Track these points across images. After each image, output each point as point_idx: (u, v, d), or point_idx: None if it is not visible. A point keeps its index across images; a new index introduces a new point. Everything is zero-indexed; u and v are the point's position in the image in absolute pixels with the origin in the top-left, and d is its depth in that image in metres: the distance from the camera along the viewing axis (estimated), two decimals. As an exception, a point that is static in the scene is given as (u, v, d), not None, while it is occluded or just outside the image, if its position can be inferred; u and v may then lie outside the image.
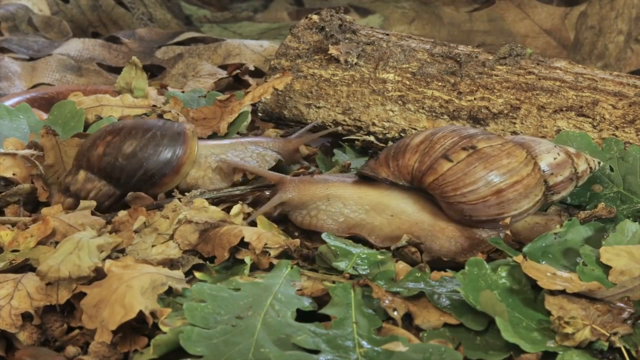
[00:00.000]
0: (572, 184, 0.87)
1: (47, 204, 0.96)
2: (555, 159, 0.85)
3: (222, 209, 0.87)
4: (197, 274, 0.78)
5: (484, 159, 0.80)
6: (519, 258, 0.76)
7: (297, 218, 0.86)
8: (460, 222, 0.83)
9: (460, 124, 1.03)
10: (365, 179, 0.86)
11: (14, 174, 0.98)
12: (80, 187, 0.93)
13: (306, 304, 0.74)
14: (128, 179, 0.92)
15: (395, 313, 0.72)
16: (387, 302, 0.72)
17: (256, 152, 1.00)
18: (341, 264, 0.78)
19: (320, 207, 0.85)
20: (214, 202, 0.92)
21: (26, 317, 0.75)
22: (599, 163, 0.90)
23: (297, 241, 0.82)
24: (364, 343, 0.68)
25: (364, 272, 0.77)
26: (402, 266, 0.79)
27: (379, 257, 0.79)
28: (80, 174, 0.93)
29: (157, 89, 1.27)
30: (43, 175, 0.98)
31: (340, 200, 0.85)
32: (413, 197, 0.85)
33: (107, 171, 0.92)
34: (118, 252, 0.82)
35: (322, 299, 0.75)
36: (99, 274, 0.75)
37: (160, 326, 0.69)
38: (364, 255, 0.79)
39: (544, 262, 0.78)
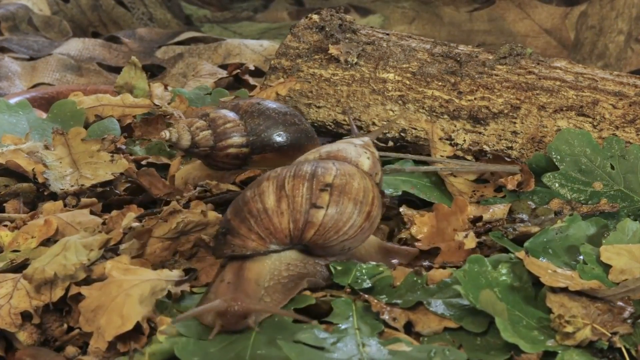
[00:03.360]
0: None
1: (48, 199, 0.95)
2: (368, 158, 0.82)
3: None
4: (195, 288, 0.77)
5: (343, 192, 0.76)
6: (520, 254, 0.76)
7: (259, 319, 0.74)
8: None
9: (460, 123, 1.03)
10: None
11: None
12: (221, 116, 0.95)
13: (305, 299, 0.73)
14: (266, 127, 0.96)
15: (396, 322, 0.72)
16: (386, 315, 0.72)
17: None
18: (342, 281, 0.77)
19: (265, 295, 0.75)
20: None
21: (26, 316, 0.75)
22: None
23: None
24: (367, 343, 0.68)
25: (365, 286, 0.76)
26: (399, 269, 0.78)
27: (379, 268, 0.79)
28: (223, 110, 0.97)
29: (163, 86, 1.27)
30: (43, 157, 0.98)
31: (265, 273, 0.77)
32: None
33: (253, 114, 0.96)
34: (112, 252, 0.81)
35: (321, 306, 0.74)
36: (93, 274, 0.75)
37: (158, 336, 0.68)
38: (364, 269, 0.79)
39: (544, 260, 0.78)
